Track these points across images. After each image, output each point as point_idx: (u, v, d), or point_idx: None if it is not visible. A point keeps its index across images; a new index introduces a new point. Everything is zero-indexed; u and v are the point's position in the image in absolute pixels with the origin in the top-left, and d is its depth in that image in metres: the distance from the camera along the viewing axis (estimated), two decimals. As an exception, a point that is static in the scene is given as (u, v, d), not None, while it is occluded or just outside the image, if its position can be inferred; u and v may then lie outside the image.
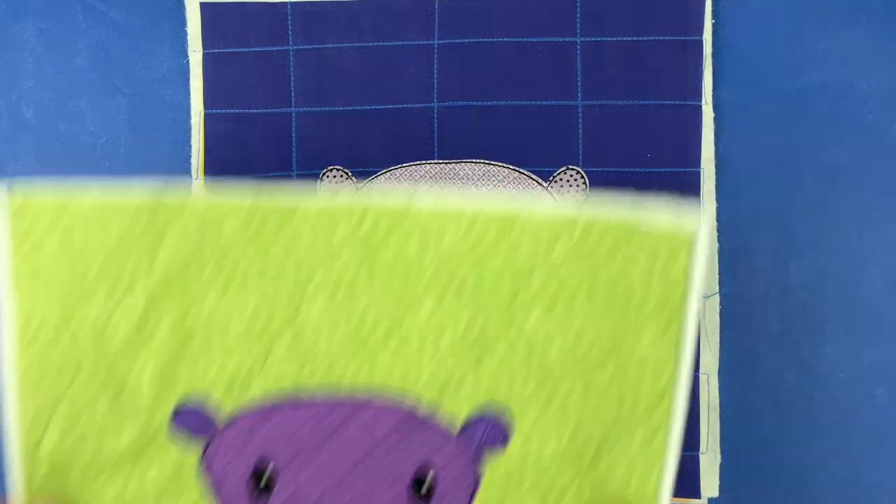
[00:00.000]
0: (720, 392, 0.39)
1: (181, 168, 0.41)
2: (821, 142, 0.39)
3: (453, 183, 0.40)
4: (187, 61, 0.41)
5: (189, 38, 0.41)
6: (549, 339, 0.31)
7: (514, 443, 0.31)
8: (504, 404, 0.31)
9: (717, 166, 0.39)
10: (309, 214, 0.31)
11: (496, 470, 0.32)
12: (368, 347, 0.32)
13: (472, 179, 0.40)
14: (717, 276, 0.39)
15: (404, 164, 0.40)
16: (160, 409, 0.32)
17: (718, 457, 0.39)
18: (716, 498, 0.39)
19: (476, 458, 0.32)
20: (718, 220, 0.39)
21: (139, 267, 0.31)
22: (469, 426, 0.31)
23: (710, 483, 0.39)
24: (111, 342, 0.32)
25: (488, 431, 0.31)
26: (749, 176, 0.40)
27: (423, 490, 0.32)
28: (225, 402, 0.32)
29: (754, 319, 0.39)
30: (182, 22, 0.41)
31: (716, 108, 0.39)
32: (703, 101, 0.39)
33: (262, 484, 0.32)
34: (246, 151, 0.41)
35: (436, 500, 0.32)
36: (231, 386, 0.32)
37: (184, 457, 0.32)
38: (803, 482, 0.39)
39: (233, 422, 0.32)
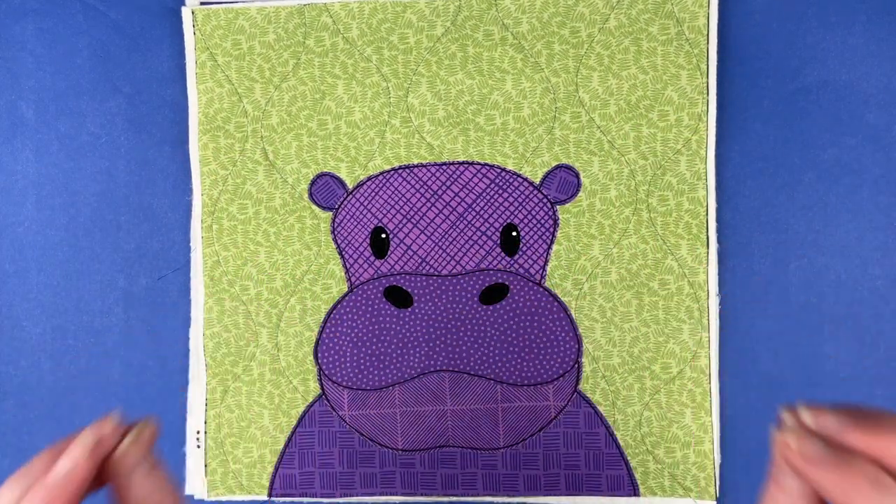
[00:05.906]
0: (720, 392, 0.39)
1: (181, 167, 0.41)
2: (821, 141, 0.39)
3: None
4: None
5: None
6: (606, 97, 0.39)
7: (581, 194, 0.39)
8: (572, 163, 0.39)
9: (717, 166, 0.39)
10: (416, 10, 0.39)
11: (569, 219, 0.39)
12: (462, 124, 0.39)
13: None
14: (717, 277, 0.39)
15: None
16: (301, 179, 0.40)
17: (718, 457, 0.39)
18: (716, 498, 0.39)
19: (553, 208, 0.39)
20: (718, 220, 0.39)
21: (287, 62, 0.40)
22: (547, 180, 0.39)
23: (706, 484, 0.39)
24: (268, 123, 0.40)
25: (562, 184, 0.39)
26: (749, 176, 0.40)
27: (512, 236, 0.39)
28: (349, 177, 0.40)
29: (754, 319, 0.39)
30: (181, 21, 0.41)
31: (716, 107, 0.39)
32: (706, 101, 0.39)
33: (378, 249, 0.40)
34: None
35: (520, 252, 0.39)
36: (354, 163, 0.40)
37: (319, 220, 0.40)
38: (803, 482, 0.39)
39: (355, 191, 0.40)
